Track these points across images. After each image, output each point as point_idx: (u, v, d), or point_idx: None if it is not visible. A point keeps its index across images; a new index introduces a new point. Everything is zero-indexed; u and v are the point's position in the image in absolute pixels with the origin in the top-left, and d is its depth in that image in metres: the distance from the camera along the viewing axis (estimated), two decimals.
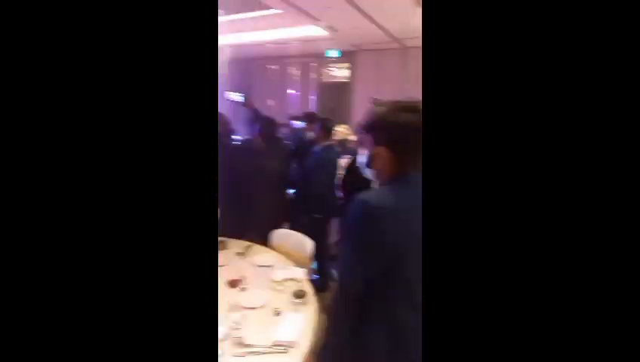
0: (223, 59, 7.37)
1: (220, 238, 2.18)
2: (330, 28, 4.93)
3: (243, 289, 1.68)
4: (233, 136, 3.00)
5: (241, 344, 1.28)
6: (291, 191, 3.01)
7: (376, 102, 0.89)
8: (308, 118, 3.70)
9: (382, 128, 0.84)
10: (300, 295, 1.58)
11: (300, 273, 1.84)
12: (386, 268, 0.80)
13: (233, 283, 1.69)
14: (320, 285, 2.18)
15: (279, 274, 1.81)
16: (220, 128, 2.44)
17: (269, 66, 7.61)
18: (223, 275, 1.72)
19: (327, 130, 2.91)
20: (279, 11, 4.26)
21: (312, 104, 7.00)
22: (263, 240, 2.36)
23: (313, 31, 5.09)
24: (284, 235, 2.39)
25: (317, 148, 2.89)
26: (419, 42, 5.86)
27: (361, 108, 4.69)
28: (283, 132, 3.92)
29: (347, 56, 6.62)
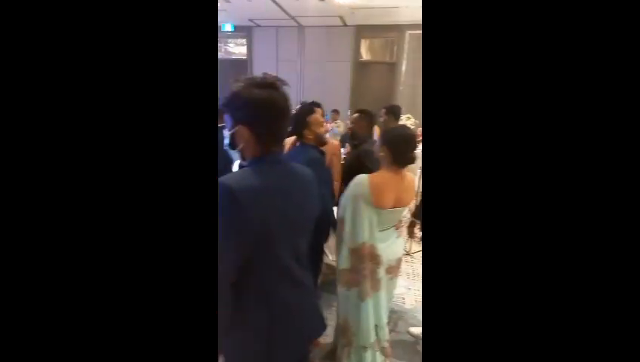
0: None
1: None
2: None
3: None
4: None
5: None
6: None
7: (234, 80, 0.84)
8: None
9: (237, 106, 0.81)
10: None
11: None
12: (257, 249, 0.78)
13: None
14: None
15: None
16: None
17: None
18: None
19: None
20: None
21: None
22: None
23: None
24: None
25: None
26: (315, 21, 5.85)
27: None
28: None
29: (243, 31, 6.23)
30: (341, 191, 1.53)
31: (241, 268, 0.79)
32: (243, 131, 0.80)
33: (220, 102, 0.78)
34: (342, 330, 1.42)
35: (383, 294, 1.39)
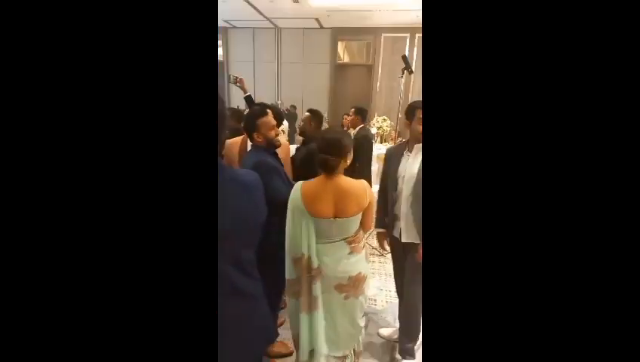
0: None
1: None
2: None
3: None
4: None
5: None
6: None
7: None
8: None
9: None
10: None
11: None
12: None
13: None
14: None
15: None
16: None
17: None
18: None
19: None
20: None
21: None
22: None
23: None
24: None
25: None
26: (291, 23, 5.85)
27: (236, 91, 4.37)
28: None
29: (219, 33, 6.15)
30: None
31: None
32: None
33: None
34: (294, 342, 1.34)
35: (319, 314, 1.27)
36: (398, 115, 3.67)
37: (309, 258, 1.23)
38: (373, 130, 4.35)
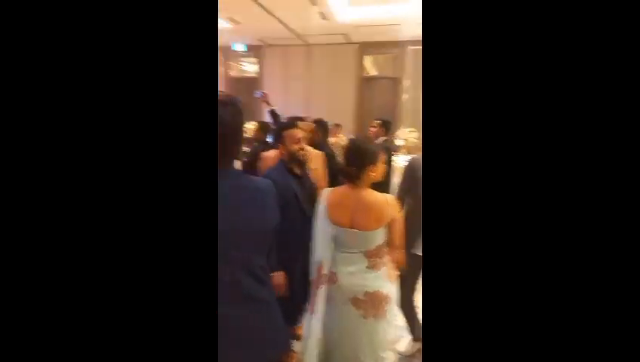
0: None
1: None
2: (232, 19, 4.83)
3: None
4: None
5: None
6: None
7: None
8: None
9: None
10: None
11: None
12: None
13: None
14: None
15: None
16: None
17: None
18: None
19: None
20: None
21: None
22: None
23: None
24: None
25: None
26: (320, 39, 6.11)
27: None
28: None
29: (253, 50, 6.56)
30: None
31: None
32: None
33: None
34: None
35: (334, 325, 1.24)
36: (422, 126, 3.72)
37: (327, 263, 1.25)
38: (400, 142, 4.45)
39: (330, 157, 2.13)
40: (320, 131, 2.35)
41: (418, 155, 1.63)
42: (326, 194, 1.27)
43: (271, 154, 1.83)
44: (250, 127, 3.62)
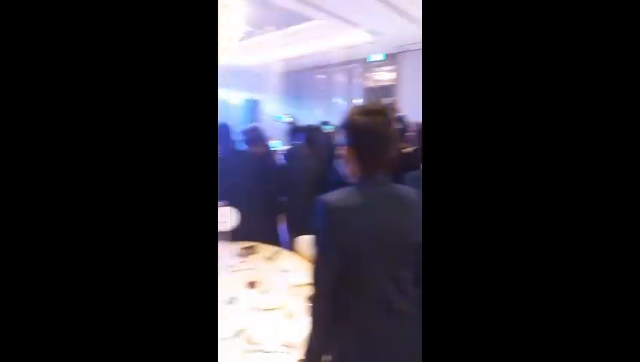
0: (276, 73, 7.78)
1: (251, 243, 2.35)
2: (372, 32, 4.94)
3: (262, 292, 1.81)
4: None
5: (250, 341, 1.39)
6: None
7: (352, 106, 0.94)
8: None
9: (346, 130, 0.90)
10: None
11: None
12: (347, 268, 0.82)
13: (252, 284, 1.82)
14: None
15: (297, 278, 1.90)
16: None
17: (316, 76, 7.82)
18: (249, 277, 1.87)
19: None
20: (322, 21, 4.43)
21: None
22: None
23: (356, 36, 5.15)
24: (309, 240, 2.46)
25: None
26: None
27: (405, 111, 4.60)
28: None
29: (391, 58, 6.53)
30: None
31: (329, 283, 0.82)
32: (347, 153, 0.90)
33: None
34: None
35: None
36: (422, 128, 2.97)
37: None
38: None
39: None
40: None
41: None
42: None
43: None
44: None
